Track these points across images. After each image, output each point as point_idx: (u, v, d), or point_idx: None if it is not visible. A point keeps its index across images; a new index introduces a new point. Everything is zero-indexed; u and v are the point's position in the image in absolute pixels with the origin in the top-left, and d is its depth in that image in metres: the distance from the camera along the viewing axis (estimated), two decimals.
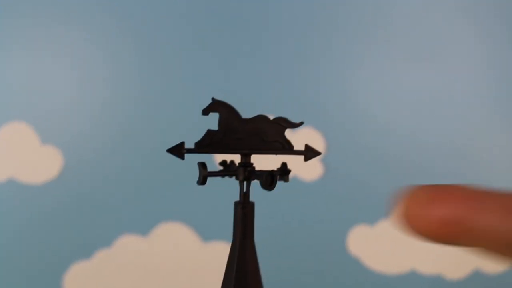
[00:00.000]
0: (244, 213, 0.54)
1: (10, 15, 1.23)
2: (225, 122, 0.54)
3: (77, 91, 1.25)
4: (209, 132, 0.54)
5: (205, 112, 0.54)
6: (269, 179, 0.52)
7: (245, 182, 0.55)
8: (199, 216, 1.23)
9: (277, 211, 1.22)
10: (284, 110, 1.21)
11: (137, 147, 1.23)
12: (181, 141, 0.54)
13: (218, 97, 0.56)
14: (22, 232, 1.24)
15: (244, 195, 0.55)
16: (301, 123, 0.56)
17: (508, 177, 1.22)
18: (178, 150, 0.53)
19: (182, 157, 0.54)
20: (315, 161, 1.22)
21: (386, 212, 1.23)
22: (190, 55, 1.23)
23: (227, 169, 0.55)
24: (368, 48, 1.23)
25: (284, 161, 0.56)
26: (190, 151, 0.54)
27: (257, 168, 0.55)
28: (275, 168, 0.55)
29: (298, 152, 0.56)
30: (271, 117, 0.56)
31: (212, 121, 0.56)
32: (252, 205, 0.55)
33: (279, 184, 0.55)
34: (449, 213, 0.24)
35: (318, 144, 1.21)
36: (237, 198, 0.55)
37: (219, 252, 1.18)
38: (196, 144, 0.54)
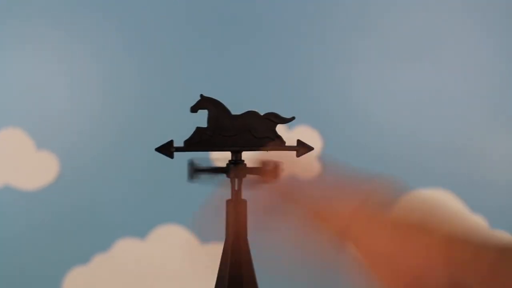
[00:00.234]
0: (236, 211, 0.53)
1: (2, 21, 1.23)
2: (214, 119, 0.53)
3: (72, 97, 1.24)
4: (198, 129, 0.53)
5: (194, 109, 0.54)
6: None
7: (236, 179, 0.54)
8: (197, 218, 1.21)
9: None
10: (280, 109, 1.20)
11: (133, 151, 1.22)
12: (178, 142, 0.53)
13: (211, 95, 0.55)
14: (19, 238, 1.23)
15: (236, 193, 0.54)
16: (293, 118, 0.55)
17: (507, 176, 1.21)
18: (167, 149, 0.53)
19: (171, 156, 0.53)
20: (311, 159, 1.21)
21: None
22: (185, 55, 1.22)
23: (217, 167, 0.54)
24: (366, 46, 1.22)
25: (275, 157, 0.55)
26: (179, 149, 0.53)
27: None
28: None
29: (290, 148, 0.55)
30: (267, 112, 0.55)
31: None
32: (244, 202, 0.54)
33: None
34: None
35: (314, 142, 1.20)
36: None
37: (218, 254, 1.17)
38: (185, 142, 0.53)
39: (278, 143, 0.54)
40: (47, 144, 1.22)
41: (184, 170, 0.56)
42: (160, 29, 1.23)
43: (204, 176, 0.53)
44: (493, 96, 1.22)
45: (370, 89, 1.22)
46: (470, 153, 1.22)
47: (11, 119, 1.23)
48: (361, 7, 1.22)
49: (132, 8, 1.23)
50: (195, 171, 0.52)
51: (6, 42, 1.24)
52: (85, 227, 1.23)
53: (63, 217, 1.23)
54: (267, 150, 0.54)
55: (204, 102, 0.54)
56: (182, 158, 0.55)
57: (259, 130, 0.54)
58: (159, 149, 0.53)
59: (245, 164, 0.54)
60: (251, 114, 0.54)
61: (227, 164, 0.54)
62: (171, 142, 0.53)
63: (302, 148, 0.54)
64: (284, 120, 0.54)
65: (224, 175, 0.54)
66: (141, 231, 1.23)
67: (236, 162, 0.54)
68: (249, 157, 0.56)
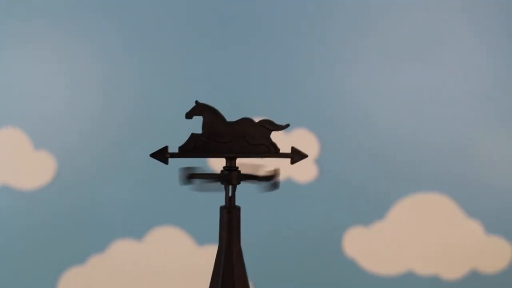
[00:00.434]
0: (229, 217, 0.53)
1: (1, 21, 1.23)
2: (209, 126, 0.53)
3: (70, 96, 1.24)
4: (193, 136, 0.54)
5: (189, 115, 0.54)
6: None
7: (230, 186, 0.54)
8: (194, 220, 1.22)
9: (271, 213, 1.21)
10: (277, 112, 1.21)
11: (131, 152, 1.22)
12: (177, 145, 0.54)
13: (208, 98, 0.55)
14: (15, 238, 1.23)
15: (230, 199, 0.54)
16: (287, 125, 0.55)
17: (505, 180, 1.21)
18: (161, 155, 0.53)
19: (166, 162, 0.53)
20: (309, 162, 1.21)
21: (382, 213, 1.22)
22: (184, 55, 1.22)
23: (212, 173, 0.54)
24: (364, 48, 1.22)
25: (270, 164, 0.55)
26: (173, 155, 0.53)
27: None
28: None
29: (284, 155, 0.55)
30: (262, 119, 0.55)
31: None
32: (237, 209, 0.54)
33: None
34: None
35: (312, 145, 1.21)
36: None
37: (214, 256, 1.17)
38: (180, 148, 0.54)
39: (272, 150, 0.54)
40: (45, 144, 1.22)
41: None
42: (160, 29, 1.23)
43: (198, 182, 0.53)
44: (492, 98, 1.21)
45: (369, 90, 1.22)
46: (468, 156, 1.22)
47: (9, 119, 1.23)
48: (361, 7, 1.22)
49: (132, 8, 1.23)
50: (189, 176, 0.52)
51: (5, 42, 1.24)
52: (82, 227, 1.23)
53: (60, 217, 1.23)
54: (261, 157, 0.54)
55: (199, 109, 0.54)
56: (180, 161, 0.55)
57: (254, 137, 0.54)
58: (154, 155, 0.53)
59: (239, 171, 0.54)
60: (246, 121, 0.54)
61: (221, 171, 0.54)
62: (165, 148, 0.53)
63: (296, 155, 0.54)
64: (279, 127, 0.54)
65: (218, 181, 0.54)
66: (138, 232, 1.23)
67: (231, 168, 0.54)
68: (244, 164, 0.56)
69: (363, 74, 1.22)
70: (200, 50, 1.22)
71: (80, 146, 1.23)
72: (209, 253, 1.22)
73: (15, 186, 1.23)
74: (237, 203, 0.55)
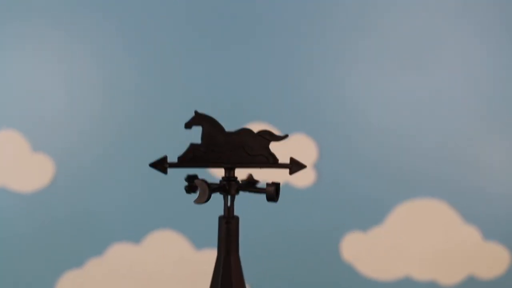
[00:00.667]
0: (228, 227, 0.53)
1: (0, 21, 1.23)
2: (208, 136, 0.53)
3: (68, 98, 1.24)
4: (192, 146, 0.54)
5: (188, 125, 0.54)
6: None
7: (229, 196, 0.54)
8: (192, 224, 1.22)
9: (269, 218, 1.21)
10: (276, 116, 1.21)
11: (129, 155, 1.22)
12: (176, 150, 0.53)
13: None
14: (13, 241, 1.23)
15: (228, 209, 0.54)
16: (286, 136, 0.55)
17: (505, 182, 1.21)
18: (160, 165, 0.53)
19: (165, 172, 0.53)
20: (307, 167, 1.21)
21: (380, 218, 1.22)
22: (184, 55, 1.22)
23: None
24: (363, 50, 1.22)
25: (269, 174, 0.55)
26: (172, 165, 0.53)
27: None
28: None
29: (283, 166, 0.55)
30: (261, 124, 0.55)
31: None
32: (236, 219, 0.54)
33: None
34: None
35: (310, 150, 1.21)
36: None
37: (212, 260, 1.17)
38: (179, 158, 0.54)
39: (271, 160, 0.54)
40: (43, 146, 1.22)
41: (179, 176, 0.56)
42: (160, 29, 1.22)
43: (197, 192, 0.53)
44: (491, 102, 1.21)
45: (367, 96, 1.22)
46: (467, 162, 1.21)
47: (7, 121, 1.23)
48: (361, 7, 1.22)
49: (131, 9, 1.23)
50: (208, 189, 0.51)
51: (2, 44, 1.23)
52: (79, 230, 1.23)
53: (58, 220, 1.23)
54: (260, 167, 0.54)
55: (198, 119, 0.54)
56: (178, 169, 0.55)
57: (252, 147, 0.54)
58: (153, 165, 0.53)
59: (238, 181, 0.54)
60: (245, 131, 0.54)
61: (220, 181, 0.54)
62: (164, 158, 0.53)
63: (295, 165, 0.54)
64: (278, 138, 0.54)
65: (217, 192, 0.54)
66: (135, 236, 1.23)
67: (229, 179, 0.54)
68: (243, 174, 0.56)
69: (362, 78, 1.22)
70: (200, 50, 1.22)
71: (78, 148, 1.23)
72: (207, 257, 1.22)
73: (13, 189, 1.22)
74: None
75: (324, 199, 1.21)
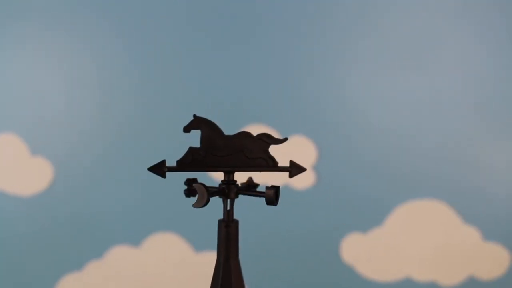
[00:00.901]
0: (227, 231, 0.53)
1: None
2: (207, 139, 0.53)
3: (67, 101, 1.23)
4: (191, 149, 0.53)
5: (187, 129, 0.54)
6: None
7: (228, 200, 0.54)
8: (191, 226, 1.22)
9: (269, 220, 1.21)
10: (275, 117, 1.20)
11: (129, 158, 1.22)
12: (175, 152, 0.53)
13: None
14: (12, 244, 1.23)
15: (228, 213, 0.54)
16: (285, 139, 0.55)
17: (505, 183, 1.21)
18: (159, 169, 0.53)
19: (164, 176, 0.53)
20: (307, 168, 1.21)
21: (380, 219, 1.22)
22: (184, 55, 1.22)
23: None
24: (362, 53, 1.22)
25: (269, 177, 0.55)
26: (171, 169, 0.53)
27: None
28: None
29: (282, 169, 0.55)
30: (261, 125, 0.55)
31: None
32: (236, 223, 0.54)
33: None
34: None
35: (310, 151, 1.20)
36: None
37: (212, 263, 1.17)
38: (178, 162, 0.53)
39: (271, 163, 0.54)
40: (42, 150, 1.22)
41: (179, 179, 0.56)
42: (160, 30, 1.22)
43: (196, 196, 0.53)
44: (491, 102, 1.21)
45: (367, 97, 1.22)
46: (467, 163, 1.21)
47: (6, 124, 1.22)
48: (361, 7, 1.22)
49: (131, 9, 1.22)
50: (207, 193, 0.51)
51: (1, 46, 1.23)
52: (79, 233, 1.23)
53: (58, 223, 1.22)
54: (259, 171, 0.54)
55: (197, 122, 0.53)
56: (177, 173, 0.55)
57: (251, 150, 0.53)
58: (152, 169, 0.53)
59: (238, 185, 0.54)
60: (244, 135, 0.54)
61: (219, 185, 0.54)
62: (163, 162, 0.53)
63: (295, 169, 0.54)
64: (277, 141, 0.54)
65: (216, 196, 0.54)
66: (135, 239, 1.22)
67: (229, 182, 0.54)
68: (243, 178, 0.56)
69: (362, 79, 1.22)
70: (200, 51, 1.22)
71: (77, 151, 1.23)
72: (207, 259, 1.21)
73: (12, 192, 1.22)
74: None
75: (323, 201, 1.21)
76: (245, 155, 0.53)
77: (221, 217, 0.55)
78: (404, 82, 1.22)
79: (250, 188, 0.55)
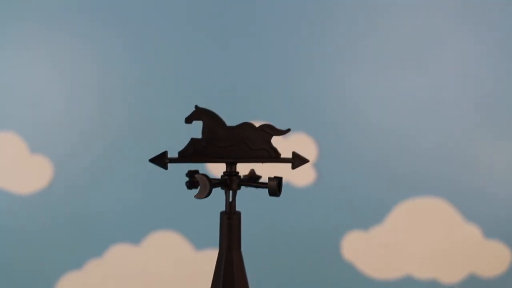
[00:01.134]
0: (229, 223, 0.53)
1: None
2: (209, 130, 0.53)
3: (66, 100, 1.23)
4: (193, 140, 0.53)
5: (188, 120, 0.53)
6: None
7: (231, 191, 0.53)
8: (192, 224, 1.21)
9: (269, 217, 1.21)
10: (276, 115, 1.20)
11: (129, 156, 1.22)
12: (176, 148, 0.53)
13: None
14: (12, 243, 1.23)
15: (230, 205, 0.53)
16: (288, 130, 0.54)
17: (505, 181, 1.21)
18: (160, 160, 0.52)
19: (165, 167, 0.53)
20: (307, 166, 1.21)
21: (380, 217, 1.21)
22: (184, 55, 1.22)
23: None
24: (362, 53, 1.22)
25: (271, 168, 0.55)
26: (173, 160, 0.53)
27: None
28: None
29: (285, 160, 0.54)
30: (261, 123, 0.54)
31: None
32: (238, 215, 0.53)
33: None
34: None
35: (310, 149, 1.20)
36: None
37: (212, 260, 1.16)
38: (180, 153, 0.53)
39: (273, 154, 0.53)
40: (42, 148, 1.22)
41: (179, 177, 0.56)
42: (159, 29, 1.22)
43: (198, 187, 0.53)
44: (491, 101, 1.21)
45: (368, 95, 1.22)
46: (467, 161, 1.21)
47: (5, 123, 1.22)
48: (361, 7, 1.22)
49: (130, 9, 1.22)
50: (209, 184, 0.51)
51: (0, 45, 1.23)
52: (79, 232, 1.23)
53: (57, 222, 1.22)
54: (262, 162, 0.54)
55: (198, 113, 0.53)
56: (178, 166, 0.54)
57: (254, 141, 0.53)
58: (153, 160, 0.53)
59: (240, 176, 0.54)
60: (246, 126, 0.53)
61: (221, 176, 0.53)
62: (165, 153, 0.53)
63: (297, 160, 0.54)
64: (280, 132, 0.54)
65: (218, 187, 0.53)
66: (135, 237, 1.22)
67: (231, 174, 0.53)
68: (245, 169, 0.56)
69: (362, 77, 1.22)
70: (200, 50, 1.21)
71: (77, 149, 1.23)
72: (207, 257, 1.21)
73: (12, 191, 1.22)
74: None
75: (324, 198, 1.21)
76: (247, 146, 0.53)
77: (223, 210, 0.55)
78: (405, 81, 1.22)
79: (252, 180, 0.55)
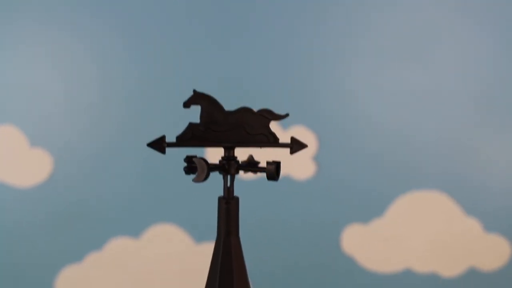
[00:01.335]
0: (227, 208, 0.53)
1: None
2: (207, 115, 0.53)
3: (66, 93, 1.23)
4: (191, 125, 0.53)
5: (186, 104, 0.53)
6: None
7: (229, 176, 0.53)
8: (191, 217, 1.21)
9: (269, 210, 1.21)
10: (275, 108, 1.20)
11: (128, 149, 1.22)
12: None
13: (207, 91, 0.55)
14: (12, 236, 1.23)
15: (228, 190, 0.53)
16: (287, 115, 0.54)
17: (505, 174, 1.21)
18: (158, 144, 0.52)
19: (163, 151, 0.53)
20: (307, 159, 1.21)
21: (380, 210, 1.21)
22: (184, 53, 1.22)
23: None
24: (363, 46, 1.22)
25: (270, 153, 0.55)
26: (171, 145, 0.53)
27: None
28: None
29: (283, 145, 0.54)
30: (261, 108, 0.54)
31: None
32: (236, 200, 0.53)
33: (272, 182, 0.53)
34: None
35: (310, 142, 1.20)
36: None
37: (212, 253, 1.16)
38: (178, 137, 0.53)
39: (271, 139, 0.53)
40: (41, 141, 1.22)
41: (179, 169, 0.56)
42: (158, 22, 1.22)
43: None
44: (491, 96, 1.21)
45: (368, 87, 1.22)
46: (467, 154, 1.21)
47: (5, 116, 1.22)
48: (361, 5, 1.22)
49: (127, 2, 1.22)
50: (207, 167, 0.50)
51: (1, 41, 1.23)
52: (79, 225, 1.23)
53: (57, 215, 1.22)
54: (260, 147, 0.53)
55: (197, 98, 0.53)
56: (177, 158, 0.54)
57: (252, 126, 0.53)
58: (151, 144, 0.53)
59: (238, 161, 0.53)
60: (245, 110, 0.53)
61: (219, 161, 0.53)
62: (163, 137, 0.53)
63: (295, 145, 0.54)
64: (278, 117, 0.54)
65: (216, 171, 0.53)
66: (135, 230, 1.22)
67: (229, 158, 0.53)
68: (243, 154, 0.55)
69: (362, 71, 1.22)
70: (200, 46, 1.21)
71: (76, 143, 1.23)
72: (207, 250, 1.21)
73: (12, 184, 1.22)
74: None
75: (324, 192, 1.21)
76: (245, 130, 0.53)
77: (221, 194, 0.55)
78: (405, 74, 1.21)
79: (251, 165, 0.55)
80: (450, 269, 1.21)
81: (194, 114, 0.55)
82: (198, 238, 1.22)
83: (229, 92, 1.19)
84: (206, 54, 1.21)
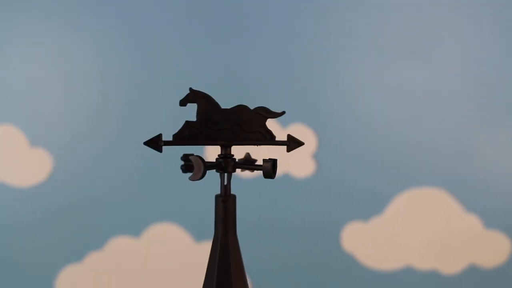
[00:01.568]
0: (225, 206, 0.53)
1: None
2: (204, 113, 0.53)
3: (66, 93, 1.23)
4: (188, 123, 0.53)
5: (183, 103, 0.53)
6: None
7: (226, 174, 0.53)
8: (191, 216, 1.21)
9: (268, 209, 1.20)
10: (274, 106, 1.20)
11: (128, 148, 1.22)
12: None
13: (206, 90, 0.55)
14: (12, 236, 1.23)
15: (225, 188, 0.53)
16: (283, 113, 0.54)
17: (505, 171, 1.21)
18: (155, 143, 0.52)
19: (160, 150, 0.53)
20: (306, 157, 1.21)
21: (380, 208, 1.21)
22: (184, 52, 1.22)
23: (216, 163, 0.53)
24: (362, 43, 1.22)
25: (266, 151, 0.55)
26: (167, 143, 0.53)
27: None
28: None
29: (280, 143, 0.54)
30: (257, 106, 0.54)
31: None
32: (233, 198, 0.53)
33: (271, 180, 0.53)
34: None
35: (309, 140, 1.20)
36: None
37: None
38: (174, 136, 0.53)
39: (268, 137, 0.53)
40: (41, 141, 1.22)
41: (179, 170, 0.56)
42: (157, 21, 1.22)
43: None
44: (491, 94, 1.21)
45: (367, 85, 1.22)
46: (467, 151, 1.21)
47: (5, 116, 1.22)
48: (361, 5, 1.22)
49: (128, 5, 1.22)
50: (203, 165, 0.50)
51: (1, 39, 1.23)
52: (79, 224, 1.23)
53: (57, 215, 1.22)
54: (257, 145, 0.54)
55: (193, 96, 0.53)
56: (177, 156, 0.54)
57: (249, 124, 0.53)
58: (147, 143, 0.53)
59: (235, 159, 0.54)
60: (241, 108, 0.53)
61: (216, 159, 0.53)
62: (159, 136, 0.53)
63: (292, 143, 0.54)
64: (275, 115, 0.54)
65: (213, 169, 0.53)
66: (135, 229, 1.22)
67: (226, 156, 0.53)
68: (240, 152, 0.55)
69: (362, 69, 1.22)
70: (200, 45, 1.21)
71: (76, 143, 1.23)
72: (207, 249, 1.21)
73: (12, 184, 1.22)
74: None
75: (324, 190, 1.21)
76: (242, 128, 0.53)
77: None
78: (405, 72, 1.21)
79: (247, 163, 0.55)
80: (450, 266, 1.21)
81: (191, 112, 0.55)
82: (198, 236, 1.22)
83: (229, 91, 1.19)
84: (206, 53, 1.21)
